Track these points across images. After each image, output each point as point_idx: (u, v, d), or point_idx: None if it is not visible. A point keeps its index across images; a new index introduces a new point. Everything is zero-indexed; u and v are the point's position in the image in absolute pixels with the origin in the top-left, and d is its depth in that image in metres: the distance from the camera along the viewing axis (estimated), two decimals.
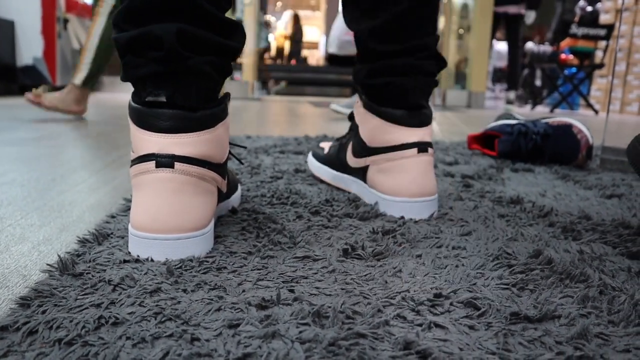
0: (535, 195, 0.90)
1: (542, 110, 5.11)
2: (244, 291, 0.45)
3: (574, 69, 4.95)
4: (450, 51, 5.24)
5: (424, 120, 0.71)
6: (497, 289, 0.47)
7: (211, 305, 0.41)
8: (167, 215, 0.50)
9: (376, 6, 0.70)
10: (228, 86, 4.24)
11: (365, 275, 0.49)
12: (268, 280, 0.47)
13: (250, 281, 0.47)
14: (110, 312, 0.39)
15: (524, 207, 0.78)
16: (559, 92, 4.91)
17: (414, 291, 0.45)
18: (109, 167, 1.08)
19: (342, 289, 0.46)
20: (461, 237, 0.63)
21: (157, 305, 0.41)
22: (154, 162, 0.50)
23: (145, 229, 0.51)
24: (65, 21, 4.06)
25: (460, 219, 0.71)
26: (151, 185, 0.50)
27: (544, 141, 1.18)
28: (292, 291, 0.45)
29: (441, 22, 5.31)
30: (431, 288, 0.46)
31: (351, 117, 0.83)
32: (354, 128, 0.80)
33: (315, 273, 0.49)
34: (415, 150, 0.69)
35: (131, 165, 0.51)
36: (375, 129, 0.73)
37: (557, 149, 1.17)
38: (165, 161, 0.50)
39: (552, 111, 4.70)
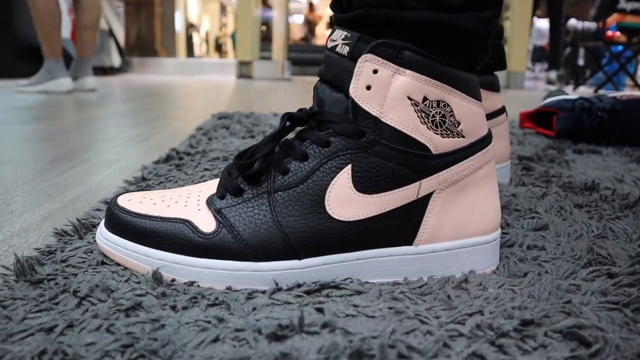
0: (610, 180, 0.75)
1: (584, 91, 4.83)
2: (254, 309, 0.33)
3: (620, 47, 4.64)
4: None
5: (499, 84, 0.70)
6: (602, 309, 0.34)
7: (206, 333, 0.29)
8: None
9: None
10: (259, 66, 4.12)
11: (420, 287, 0.36)
12: (288, 293, 0.35)
13: (264, 294, 0.35)
14: (62, 343, 0.28)
15: (603, 194, 0.64)
16: (604, 72, 4.63)
17: (490, 312, 0.32)
18: (121, 145, 0.98)
19: (390, 309, 0.33)
20: (536, 233, 0.49)
21: (129, 333, 0.29)
22: (492, 143, 0.40)
23: (497, 228, 0.41)
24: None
25: (528, 209, 0.58)
26: (494, 173, 0.41)
27: (612, 118, 1.02)
28: (320, 311, 0.33)
29: None
30: (513, 308, 0.33)
31: None
32: None
33: (352, 281, 0.37)
34: (504, 115, 0.70)
35: (471, 154, 0.38)
36: None
37: (629, 126, 1.01)
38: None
39: (596, 92, 4.43)
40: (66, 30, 3.94)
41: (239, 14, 4.06)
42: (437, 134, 0.37)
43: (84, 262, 0.39)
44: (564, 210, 0.57)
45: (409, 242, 0.38)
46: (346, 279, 0.37)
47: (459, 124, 0.37)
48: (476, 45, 0.38)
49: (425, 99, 0.36)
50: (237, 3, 4.07)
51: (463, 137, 0.38)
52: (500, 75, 4.67)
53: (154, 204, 0.39)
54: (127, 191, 0.42)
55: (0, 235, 0.48)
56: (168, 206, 0.38)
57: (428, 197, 0.37)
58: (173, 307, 0.33)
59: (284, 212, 0.36)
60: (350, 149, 0.36)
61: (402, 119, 0.36)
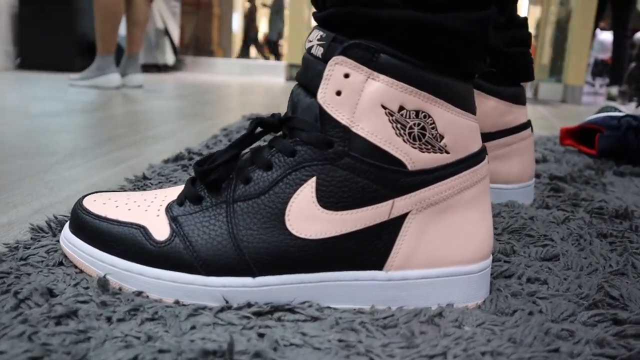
0: None
1: None
2: (193, 328, 0.30)
3: None
4: (546, 42, 4.80)
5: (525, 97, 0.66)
6: None
7: (126, 351, 0.27)
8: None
9: None
10: None
11: (385, 318, 0.32)
12: (235, 312, 0.32)
13: (210, 311, 0.32)
14: None
15: (635, 224, 0.57)
16: None
17: (455, 356, 0.28)
18: (139, 143, 0.98)
19: (341, 341, 0.29)
20: (542, 264, 0.44)
21: (44, 344, 0.27)
22: (485, 160, 0.36)
23: (486, 257, 0.37)
24: (150, 0, 4.12)
25: (543, 235, 0.52)
26: (486, 194, 0.36)
27: None
28: (261, 336, 0.30)
29: (537, 11, 4.88)
30: (483, 354, 0.29)
31: None
32: None
33: (311, 305, 0.33)
34: (529, 130, 0.65)
35: (456, 172, 0.34)
36: (490, 112, 0.62)
37: None
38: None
39: None
40: (122, 28, 4.09)
41: (291, 17, 4.08)
42: (415, 147, 0.33)
43: (42, 261, 0.38)
44: (583, 240, 0.51)
45: (379, 267, 0.34)
46: (304, 303, 0.34)
47: (441, 137, 0.33)
48: (468, 50, 0.34)
49: (401, 108, 0.32)
50: (289, 5, 4.10)
51: (447, 152, 0.33)
52: (557, 88, 4.47)
53: (117, 206, 0.37)
54: (98, 191, 0.41)
55: None
56: (129, 209, 0.36)
57: (402, 218, 0.33)
58: (108, 319, 0.30)
59: (241, 225, 0.33)
60: (316, 160, 0.33)
61: (375, 129, 0.32)
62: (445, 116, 0.33)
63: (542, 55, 3.93)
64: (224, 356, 0.27)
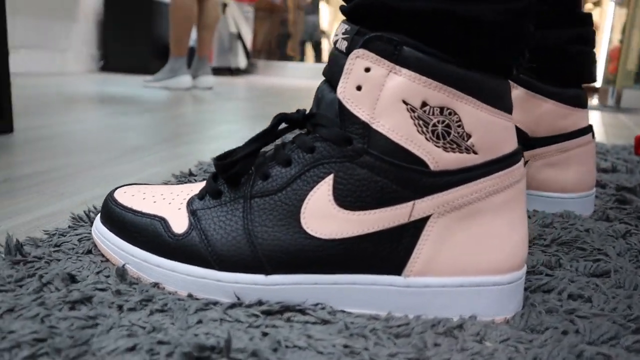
0: None
1: None
2: (199, 323, 0.30)
3: None
4: (632, 47, 4.47)
5: (587, 99, 0.61)
6: None
7: (128, 340, 0.27)
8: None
9: None
10: None
11: (399, 326, 0.31)
12: (244, 309, 0.31)
13: (220, 306, 0.32)
14: None
15: None
16: None
17: None
18: (202, 140, 1.01)
19: (346, 347, 0.28)
20: (589, 280, 0.40)
21: (51, 327, 0.28)
22: (520, 163, 0.33)
23: (518, 268, 0.33)
24: (224, 5, 4.26)
25: (597, 249, 0.48)
26: (524, 196, 0.34)
27: None
28: (265, 336, 0.29)
29: (623, 14, 4.56)
30: None
31: None
32: None
33: (324, 308, 0.32)
34: (590, 135, 0.61)
35: (485, 174, 0.31)
36: (546, 115, 0.58)
37: None
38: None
39: None
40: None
41: None
42: (438, 146, 0.31)
43: (73, 249, 0.39)
44: None
45: (398, 272, 0.32)
46: (317, 304, 0.32)
47: (468, 136, 0.31)
48: (501, 43, 0.31)
49: (424, 104, 0.30)
50: None
51: (475, 152, 0.31)
52: None
53: (143, 198, 0.38)
54: (133, 184, 0.42)
55: (38, 213, 0.51)
56: (154, 202, 0.37)
57: (423, 221, 0.31)
58: (120, 307, 0.31)
59: (257, 221, 0.33)
60: (335, 157, 0.32)
61: (396, 126, 0.31)
62: (473, 113, 0.31)
63: (627, 60, 3.67)
64: (221, 353, 0.26)
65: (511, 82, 0.59)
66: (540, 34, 0.59)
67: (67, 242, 0.40)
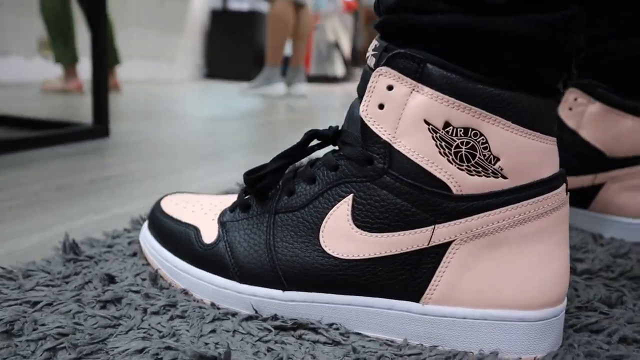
0: None
1: None
2: (212, 332, 0.31)
3: None
4: None
5: None
6: None
7: (141, 342, 0.28)
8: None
9: None
10: None
11: (410, 355, 0.29)
12: (258, 323, 0.32)
13: (236, 318, 0.32)
14: (24, 316, 0.30)
15: None
16: None
17: None
18: (281, 146, 1.04)
19: None
20: None
21: (76, 324, 0.30)
22: (561, 189, 0.30)
23: (553, 304, 0.31)
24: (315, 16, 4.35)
25: None
26: (565, 225, 0.31)
27: None
28: (269, 351, 0.29)
29: None
30: None
31: None
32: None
33: (338, 328, 0.32)
34: None
35: (514, 201, 0.29)
36: (627, 133, 0.54)
37: None
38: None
39: None
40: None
41: None
42: (462, 169, 0.29)
43: (122, 251, 0.42)
44: None
45: (416, 299, 0.31)
46: (332, 324, 0.32)
47: (496, 159, 0.29)
48: (537, 59, 0.29)
49: (447, 124, 0.29)
50: None
51: (504, 177, 0.29)
52: None
53: (184, 207, 0.39)
54: (181, 192, 0.44)
55: (110, 213, 0.55)
56: (192, 211, 0.39)
57: (445, 247, 0.30)
58: (145, 310, 0.33)
59: (279, 236, 0.33)
60: (356, 177, 0.31)
61: (417, 147, 0.29)
62: (502, 135, 0.29)
63: None
64: None
65: (588, 97, 0.55)
66: (626, 43, 0.53)
67: (119, 243, 0.43)
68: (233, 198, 0.40)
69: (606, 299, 0.39)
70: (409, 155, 0.30)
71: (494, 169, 0.29)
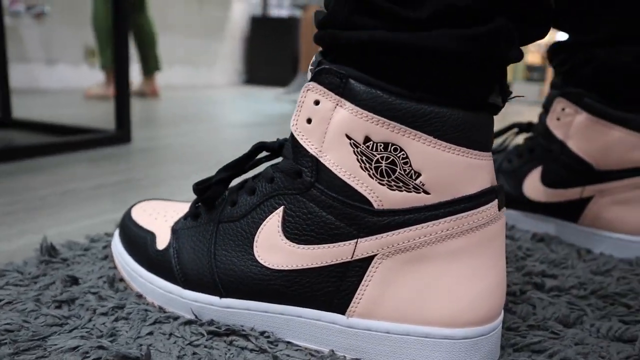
0: None
1: None
2: (149, 334, 0.32)
3: None
4: None
5: None
6: None
7: (74, 341, 0.30)
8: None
9: None
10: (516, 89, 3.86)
11: None
12: (193, 327, 0.33)
13: (176, 322, 0.34)
14: None
15: None
16: None
17: None
18: None
19: None
20: (608, 345, 0.35)
21: (25, 321, 0.32)
22: (490, 205, 0.30)
23: (480, 323, 0.31)
24: None
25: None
26: (497, 242, 0.31)
27: None
28: (194, 355, 0.30)
29: None
30: None
31: (529, 133, 0.60)
32: (541, 148, 0.57)
33: (269, 336, 0.33)
34: None
35: (437, 217, 0.29)
36: (615, 145, 0.52)
37: None
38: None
39: None
40: None
41: None
42: (383, 184, 0.29)
43: (95, 254, 0.44)
44: None
45: (342, 311, 0.31)
46: (263, 332, 0.33)
47: (417, 175, 0.29)
48: (463, 73, 0.29)
49: (367, 139, 0.29)
50: None
51: (426, 192, 0.29)
52: None
53: (150, 214, 0.41)
54: (155, 199, 0.46)
55: (116, 215, 0.58)
56: (155, 219, 0.40)
57: (368, 260, 0.30)
58: (94, 311, 0.35)
59: (220, 245, 0.34)
60: (287, 189, 0.32)
61: (340, 161, 0.30)
62: (423, 150, 0.29)
63: None
64: None
65: (575, 106, 0.53)
66: (612, 49, 0.52)
67: (95, 247, 0.46)
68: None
69: (563, 318, 0.38)
70: (333, 170, 0.30)
71: (414, 184, 0.29)
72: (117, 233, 0.43)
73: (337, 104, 0.30)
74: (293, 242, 0.31)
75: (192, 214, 0.37)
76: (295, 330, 0.33)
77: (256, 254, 0.33)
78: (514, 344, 0.34)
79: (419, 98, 0.29)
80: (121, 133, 1.04)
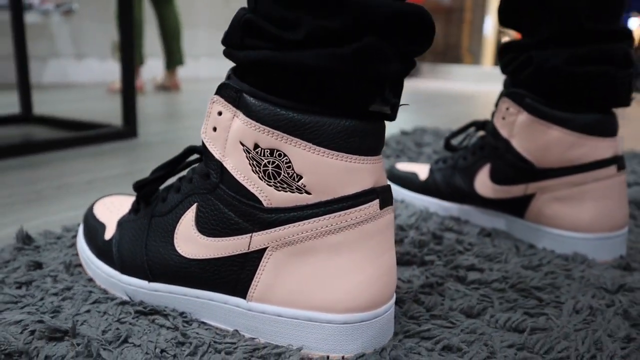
0: None
1: None
2: (87, 312, 0.38)
3: None
4: None
5: (617, 127, 0.55)
6: None
7: (19, 316, 0.36)
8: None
9: None
10: None
11: (227, 343, 0.35)
12: (123, 306, 0.38)
13: (112, 302, 0.39)
14: None
15: None
16: None
17: None
18: None
19: (162, 352, 0.33)
20: (502, 335, 0.38)
21: None
22: (370, 205, 0.34)
23: (361, 310, 0.35)
24: None
25: (556, 301, 0.44)
26: (379, 238, 0.35)
27: None
28: (117, 330, 0.35)
29: None
30: None
31: (483, 131, 0.62)
32: (490, 146, 0.59)
33: (186, 316, 0.38)
34: (614, 168, 0.54)
35: (317, 215, 0.33)
36: (554, 144, 0.54)
37: None
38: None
39: None
40: None
41: None
42: (270, 185, 0.34)
43: (65, 242, 0.50)
44: (601, 313, 0.41)
45: (243, 296, 0.36)
46: (182, 313, 0.38)
47: (299, 177, 0.33)
48: (339, 86, 0.32)
49: (256, 145, 0.33)
50: None
51: (308, 193, 0.33)
52: None
53: (107, 208, 0.47)
54: (119, 193, 0.51)
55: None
56: (110, 212, 0.46)
57: (261, 252, 0.35)
58: (46, 291, 0.40)
59: (151, 236, 0.39)
60: (200, 189, 0.37)
61: (237, 165, 0.35)
62: (304, 156, 0.33)
63: None
64: (68, 334, 0.34)
65: (517, 107, 0.56)
66: (546, 52, 0.54)
67: (66, 236, 0.52)
68: None
69: (468, 309, 0.41)
70: (232, 172, 0.35)
71: (297, 185, 0.33)
72: (81, 224, 0.49)
73: (234, 115, 0.34)
74: (203, 234, 0.36)
75: (134, 209, 0.42)
76: (208, 312, 0.37)
77: (176, 245, 0.38)
78: (407, 331, 0.38)
79: (303, 109, 0.33)
80: (128, 128, 1.11)
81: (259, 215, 0.34)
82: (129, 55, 1.08)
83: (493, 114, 0.60)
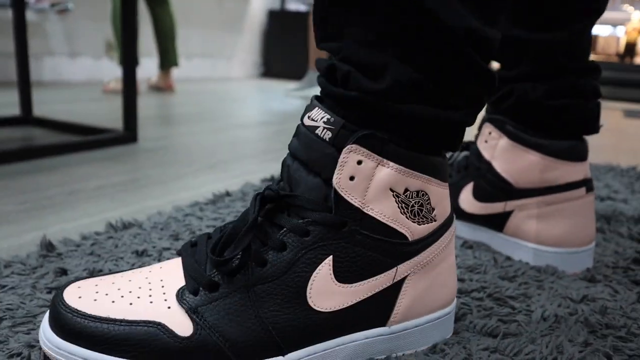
0: None
1: None
2: None
3: None
4: None
5: (587, 152, 0.60)
6: None
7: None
8: None
9: (561, 16, 0.59)
10: None
11: None
12: None
13: None
14: None
15: None
16: None
17: None
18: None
19: None
20: (476, 339, 0.43)
21: (21, 302, 0.43)
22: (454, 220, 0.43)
23: (454, 298, 0.44)
24: None
25: (527, 309, 0.49)
26: (452, 243, 0.44)
27: None
28: None
29: None
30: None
31: (467, 152, 0.68)
32: (473, 166, 0.65)
33: None
34: (583, 190, 0.59)
35: (437, 239, 0.40)
36: (531, 167, 0.60)
37: None
38: None
39: None
40: None
41: None
42: (414, 222, 0.39)
43: (85, 250, 0.55)
44: (564, 320, 0.47)
45: (383, 324, 0.40)
46: None
47: (433, 210, 0.39)
48: (460, 135, 0.39)
49: (406, 190, 0.37)
50: None
51: (435, 220, 0.39)
52: None
53: (112, 301, 0.35)
54: (81, 278, 0.39)
55: (103, 216, 0.69)
56: (130, 304, 0.35)
57: (402, 280, 0.39)
58: None
59: (265, 307, 0.35)
60: (331, 239, 0.36)
61: (384, 210, 0.37)
62: (437, 192, 0.39)
63: None
64: None
65: (499, 132, 0.61)
66: (530, 85, 0.59)
67: (84, 244, 0.56)
68: (160, 273, 0.37)
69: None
70: (377, 217, 0.37)
71: (431, 216, 0.39)
72: (56, 341, 0.34)
73: (379, 164, 0.36)
74: (346, 283, 0.37)
75: (206, 286, 0.35)
76: (349, 354, 0.39)
77: (311, 303, 0.36)
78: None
79: (432, 153, 0.39)
80: (128, 133, 1.15)
81: (404, 249, 0.38)
82: (131, 65, 1.12)
83: (476, 137, 0.66)
